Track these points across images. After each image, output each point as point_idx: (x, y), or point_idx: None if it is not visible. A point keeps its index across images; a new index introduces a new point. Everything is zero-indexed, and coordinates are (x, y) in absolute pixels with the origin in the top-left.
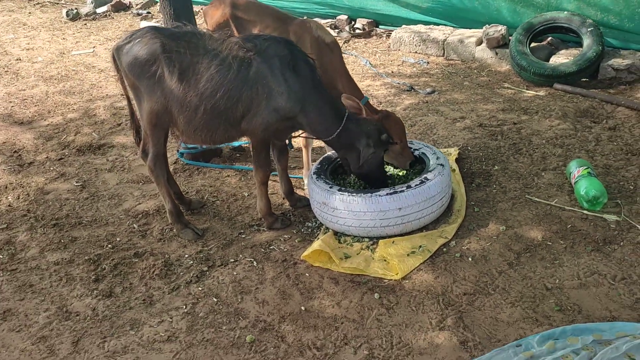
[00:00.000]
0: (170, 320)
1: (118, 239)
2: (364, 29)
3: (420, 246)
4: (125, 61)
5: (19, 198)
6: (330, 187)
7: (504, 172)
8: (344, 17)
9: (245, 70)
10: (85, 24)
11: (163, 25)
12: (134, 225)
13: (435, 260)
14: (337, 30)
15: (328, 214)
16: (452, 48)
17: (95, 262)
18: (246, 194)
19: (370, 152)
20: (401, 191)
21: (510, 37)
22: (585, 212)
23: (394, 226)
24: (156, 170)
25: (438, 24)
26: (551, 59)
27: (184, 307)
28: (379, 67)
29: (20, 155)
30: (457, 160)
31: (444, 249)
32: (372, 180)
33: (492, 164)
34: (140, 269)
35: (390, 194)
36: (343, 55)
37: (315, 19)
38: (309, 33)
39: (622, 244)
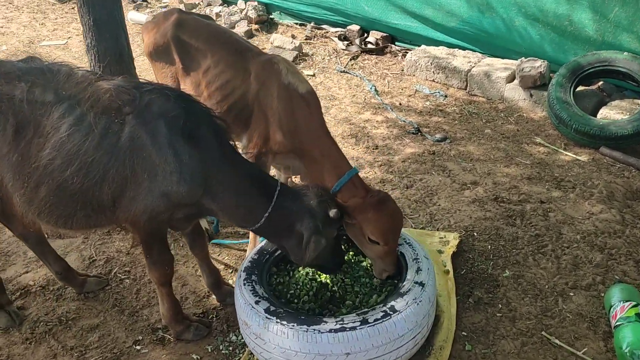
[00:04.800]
0: None
1: None
2: (377, 44)
3: None
4: None
5: None
6: (257, 302)
7: (517, 282)
8: (356, 27)
9: (113, 136)
10: (72, 8)
11: (87, 39)
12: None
13: None
14: (346, 43)
15: (251, 340)
16: (477, 82)
17: None
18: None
19: (322, 241)
20: (352, 328)
21: (551, 76)
22: None
23: None
24: None
25: (464, 49)
26: (600, 112)
27: None
28: (386, 95)
29: None
30: (455, 254)
31: None
32: (323, 268)
33: (502, 265)
34: None
35: (336, 330)
36: (346, 74)
37: (324, 27)
38: (277, 78)
39: None
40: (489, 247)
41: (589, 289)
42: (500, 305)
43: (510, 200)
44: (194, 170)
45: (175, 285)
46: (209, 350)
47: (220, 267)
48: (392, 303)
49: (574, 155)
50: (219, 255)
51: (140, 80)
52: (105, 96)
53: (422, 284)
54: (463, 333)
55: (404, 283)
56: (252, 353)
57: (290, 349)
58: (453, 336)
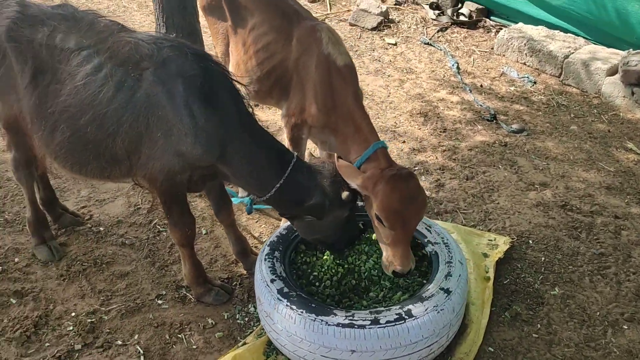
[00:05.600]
0: None
1: (15, 261)
2: (470, 17)
3: None
4: None
5: None
6: (272, 281)
7: (565, 303)
8: None
9: (128, 91)
10: None
11: None
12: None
13: None
14: (437, 12)
15: (262, 317)
16: (573, 71)
17: None
18: (204, 232)
19: (329, 218)
20: (360, 326)
21: None
22: None
23: None
24: (18, 173)
25: (566, 31)
26: None
27: None
28: (468, 75)
29: None
30: (501, 261)
31: None
32: (329, 246)
33: (552, 281)
34: (7, 320)
35: (344, 325)
36: (429, 47)
37: None
38: (317, 47)
39: None
40: (543, 258)
41: None
42: (539, 325)
43: (580, 210)
44: (209, 134)
45: (208, 247)
46: (225, 317)
47: (254, 235)
48: (410, 307)
49: None
50: (256, 222)
51: (160, 34)
52: (124, 49)
53: (448, 291)
54: (490, 349)
55: (429, 287)
56: (263, 329)
57: (296, 335)
58: (477, 350)
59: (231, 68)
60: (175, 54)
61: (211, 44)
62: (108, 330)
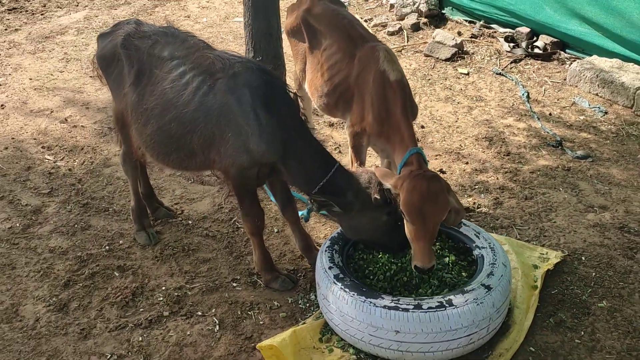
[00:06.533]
0: None
1: (120, 242)
2: (544, 49)
3: None
4: (96, 53)
5: (83, 163)
6: (330, 268)
7: (612, 315)
8: (525, 30)
9: (203, 96)
10: None
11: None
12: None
13: None
14: (512, 45)
15: (320, 300)
16: None
17: (82, 262)
18: (276, 230)
19: (365, 219)
20: (405, 309)
21: None
22: None
23: (387, 349)
24: (125, 166)
25: (639, 64)
26: None
27: (109, 356)
28: (537, 103)
29: None
30: (551, 273)
31: None
32: (383, 247)
33: (601, 295)
34: (111, 288)
35: (389, 308)
36: (501, 77)
37: (493, 26)
38: (375, 64)
39: None
40: (594, 274)
41: None
42: (582, 333)
43: (638, 233)
44: (270, 133)
45: (278, 243)
46: (289, 302)
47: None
48: (451, 297)
49: None
50: (322, 225)
51: (235, 53)
52: (205, 62)
53: (488, 287)
54: (531, 349)
55: (472, 283)
56: (321, 313)
57: (347, 315)
58: (517, 348)
59: (306, 83)
60: (243, 69)
61: (292, 65)
62: (191, 303)
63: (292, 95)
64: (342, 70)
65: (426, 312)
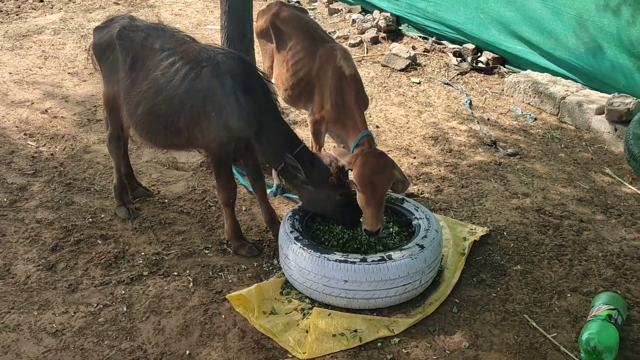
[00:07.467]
0: (73, 314)
1: (102, 216)
2: (487, 64)
3: (355, 330)
4: (92, 43)
5: (64, 149)
6: (291, 232)
7: (523, 276)
8: (471, 46)
9: (191, 81)
10: None
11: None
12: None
13: (359, 353)
14: (459, 59)
15: (282, 259)
16: (568, 110)
17: (68, 231)
18: (244, 209)
19: (321, 195)
20: (352, 262)
21: None
22: None
23: (337, 297)
24: (110, 146)
25: (567, 78)
26: None
27: (95, 305)
28: (478, 109)
29: (97, 110)
30: (477, 244)
31: (379, 343)
32: (336, 221)
33: (516, 261)
34: (95, 252)
35: (340, 261)
36: (448, 87)
37: (444, 42)
38: (333, 61)
39: None
40: (512, 245)
41: (587, 294)
42: (498, 289)
43: (552, 214)
44: (248, 113)
45: (246, 219)
46: (255, 266)
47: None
48: (391, 253)
49: (636, 190)
50: (286, 206)
51: (217, 46)
52: (192, 53)
53: (422, 247)
54: (456, 300)
55: (409, 244)
56: (282, 274)
57: (305, 269)
58: (445, 298)
59: (273, 79)
60: (226, 58)
61: (260, 61)
62: (168, 266)
63: (267, 81)
64: (305, 67)
65: (370, 264)
